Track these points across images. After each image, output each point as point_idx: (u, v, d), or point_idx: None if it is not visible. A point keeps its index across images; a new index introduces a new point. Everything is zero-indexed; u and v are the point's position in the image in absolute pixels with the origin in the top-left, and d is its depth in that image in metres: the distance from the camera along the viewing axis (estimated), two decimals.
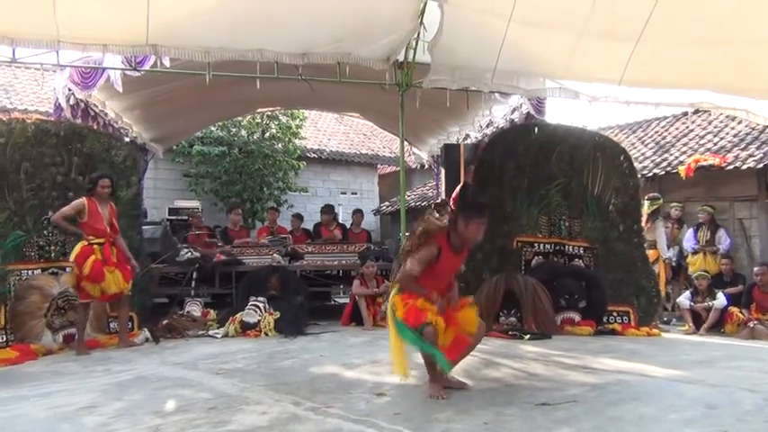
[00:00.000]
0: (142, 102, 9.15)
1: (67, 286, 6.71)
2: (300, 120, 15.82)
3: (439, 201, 10.29)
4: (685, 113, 13.70)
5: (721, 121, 12.83)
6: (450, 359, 4.22)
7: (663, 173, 11.67)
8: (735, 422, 3.59)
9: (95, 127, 8.36)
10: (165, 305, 8.41)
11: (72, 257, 6.40)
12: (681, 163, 11.51)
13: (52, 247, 7.00)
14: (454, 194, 10.22)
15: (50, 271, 6.92)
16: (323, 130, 19.00)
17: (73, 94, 7.84)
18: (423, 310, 4.13)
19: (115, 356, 6.17)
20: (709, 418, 3.71)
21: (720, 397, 4.20)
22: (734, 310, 8.27)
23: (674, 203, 10.30)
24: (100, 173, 6.74)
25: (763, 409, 3.90)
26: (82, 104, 8.24)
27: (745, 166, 10.59)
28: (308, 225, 11.62)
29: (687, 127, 13.44)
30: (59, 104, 7.98)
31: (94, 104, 8.52)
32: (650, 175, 11.63)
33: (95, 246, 6.38)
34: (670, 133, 13.68)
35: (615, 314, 7.86)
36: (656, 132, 14.09)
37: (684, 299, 8.72)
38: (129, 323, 7.17)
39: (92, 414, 3.96)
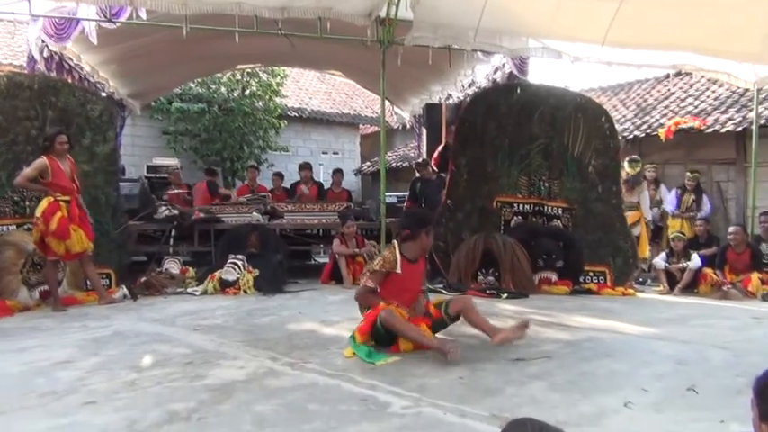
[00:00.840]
0: (119, 56, 8.95)
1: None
2: (281, 78, 15.61)
3: (420, 160, 10.26)
4: (667, 76, 13.73)
5: (703, 84, 12.86)
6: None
7: (643, 135, 11.71)
8: (704, 377, 3.67)
9: (70, 81, 8.17)
10: (144, 263, 8.35)
11: (38, 213, 6.24)
12: (661, 125, 11.55)
13: (27, 203, 6.89)
14: (435, 155, 10.22)
15: (25, 227, 6.82)
16: (304, 88, 18.78)
17: (47, 46, 7.65)
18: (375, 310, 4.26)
19: (92, 313, 6.13)
20: (679, 373, 3.79)
21: (691, 353, 4.29)
22: (708, 271, 8.38)
23: (649, 165, 10.35)
24: (56, 129, 6.55)
25: (732, 364, 3.99)
26: (56, 57, 8.04)
27: (724, 130, 10.65)
28: (289, 185, 11.55)
29: (668, 90, 13.47)
30: (33, 57, 7.78)
31: (69, 58, 8.32)
32: (631, 137, 11.67)
33: (62, 203, 6.27)
34: (651, 96, 13.70)
35: (592, 274, 7.96)
36: (638, 95, 14.11)
37: (660, 260, 8.82)
38: (107, 280, 7.13)
39: (67, 369, 3.95)
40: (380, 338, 4.28)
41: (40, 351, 4.45)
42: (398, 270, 4.41)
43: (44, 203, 6.24)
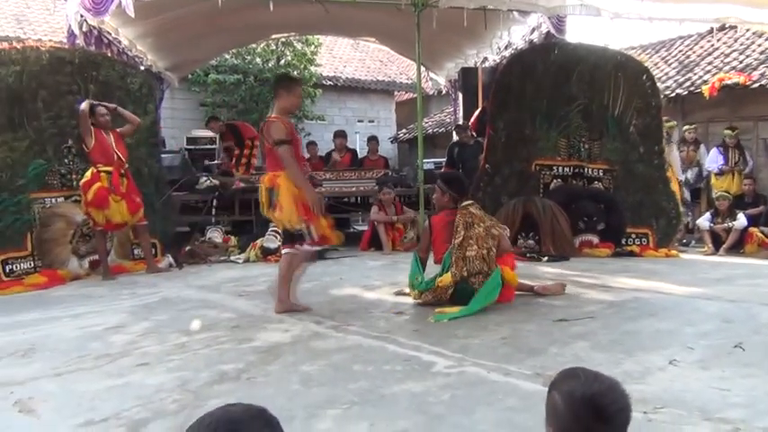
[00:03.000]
0: (155, 29, 9.01)
1: None
2: (315, 46, 15.54)
3: (461, 123, 10.18)
4: (710, 31, 13.22)
5: (748, 39, 12.39)
6: None
7: (686, 93, 11.39)
8: (751, 334, 3.63)
9: (110, 54, 8.27)
10: (187, 233, 8.51)
11: (81, 183, 6.46)
12: (705, 82, 11.20)
13: (73, 176, 7.03)
14: (473, 119, 10.12)
15: (73, 199, 6.98)
16: (338, 56, 18.67)
17: (85, 20, 7.73)
18: None
19: (140, 281, 6.31)
20: (725, 331, 3.75)
21: (737, 311, 4.23)
22: (754, 230, 8.20)
23: (687, 126, 10.08)
24: (95, 102, 6.66)
25: None
26: (95, 32, 8.12)
27: None
28: (324, 153, 11.57)
29: (712, 45, 13.02)
30: (72, 31, 7.87)
31: (107, 32, 8.41)
32: (673, 95, 11.35)
33: (103, 173, 6.43)
34: (694, 52, 13.27)
35: (634, 236, 7.84)
36: (680, 51, 13.68)
37: (704, 220, 8.66)
38: (153, 250, 7.29)
39: (120, 333, 4.09)
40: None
41: (94, 317, 4.61)
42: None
43: (87, 174, 6.43)
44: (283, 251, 4.65)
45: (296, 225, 4.43)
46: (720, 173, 9.48)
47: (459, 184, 4.90)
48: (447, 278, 4.51)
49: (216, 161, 10.49)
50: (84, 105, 6.43)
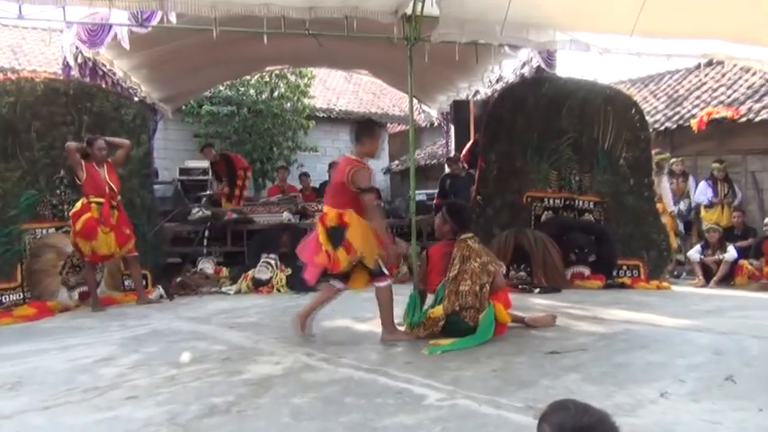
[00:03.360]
0: (150, 61, 9.09)
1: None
2: (309, 78, 15.67)
3: (452, 155, 10.25)
4: (698, 66, 13.46)
5: (735, 74, 12.60)
6: None
7: (675, 126, 11.54)
8: (742, 367, 3.63)
9: (104, 86, 8.33)
10: (179, 264, 8.49)
11: (71, 213, 6.47)
12: (693, 116, 11.35)
13: (65, 206, 7.03)
14: (464, 151, 10.20)
15: (64, 229, 6.98)
16: (332, 88, 18.84)
17: (81, 52, 7.80)
18: None
19: (130, 312, 6.27)
20: (716, 363, 3.75)
21: (729, 344, 4.24)
22: (744, 263, 8.25)
23: (674, 159, 10.18)
24: (94, 135, 6.71)
25: None
26: (90, 63, 8.19)
27: (758, 119, 10.43)
28: (318, 184, 11.61)
29: (700, 80, 13.22)
30: (67, 63, 7.94)
31: (102, 63, 8.47)
32: (662, 128, 11.49)
33: (94, 204, 6.44)
34: (683, 86, 13.47)
35: (625, 268, 7.89)
36: (669, 86, 13.89)
37: (695, 252, 8.71)
38: (144, 281, 7.26)
39: (109, 365, 4.05)
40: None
41: (83, 349, 4.57)
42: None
43: (77, 205, 6.45)
44: (376, 285, 4.59)
45: (375, 258, 4.46)
46: (710, 205, 9.57)
47: (460, 217, 4.90)
48: (438, 310, 4.51)
49: (208, 192, 10.53)
50: (69, 143, 6.46)
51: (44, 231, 6.90)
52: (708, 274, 8.42)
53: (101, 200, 6.48)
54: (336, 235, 4.40)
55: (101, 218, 6.42)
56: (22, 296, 6.52)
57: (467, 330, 4.42)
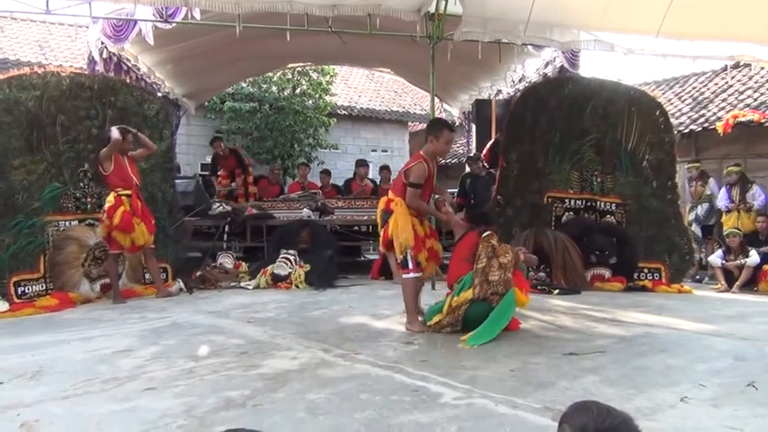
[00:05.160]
0: (174, 56, 9.19)
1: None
2: (331, 76, 15.72)
3: (472, 155, 10.22)
4: (725, 68, 13.28)
5: (762, 76, 12.43)
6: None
7: (700, 129, 11.41)
8: (763, 373, 3.57)
9: (128, 81, 8.41)
10: (199, 258, 8.56)
11: (105, 208, 6.53)
12: (719, 119, 11.22)
13: (88, 199, 7.13)
14: (485, 150, 10.15)
15: (87, 222, 7.07)
16: (353, 86, 18.87)
17: (106, 47, 7.90)
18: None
19: (150, 305, 6.32)
20: (737, 369, 3.69)
21: (750, 350, 4.17)
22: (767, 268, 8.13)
23: (691, 165, 10.04)
24: (125, 127, 6.76)
25: None
26: (115, 58, 8.30)
27: None
28: (339, 182, 11.64)
29: (726, 82, 13.05)
30: (93, 58, 8.04)
31: (127, 59, 8.58)
32: (687, 131, 11.37)
33: (124, 197, 6.51)
34: (708, 89, 13.31)
35: (646, 271, 7.81)
36: (694, 88, 13.73)
37: (716, 257, 8.59)
38: (164, 274, 7.33)
39: (128, 357, 4.09)
40: None
41: (103, 340, 4.62)
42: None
43: (111, 198, 6.51)
44: (401, 274, 4.94)
45: (404, 248, 4.74)
46: (728, 210, 9.43)
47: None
48: (468, 294, 4.54)
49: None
50: (116, 134, 6.49)
51: (67, 224, 6.97)
52: (730, 278, 8.31)
53: (129, 192, 6.57)
54: (384, 218, 4.94)
55: (131, 210, 6.52)
56: (44, 287, 6.59)
57: (488, 311, 4.49)
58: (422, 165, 4.75)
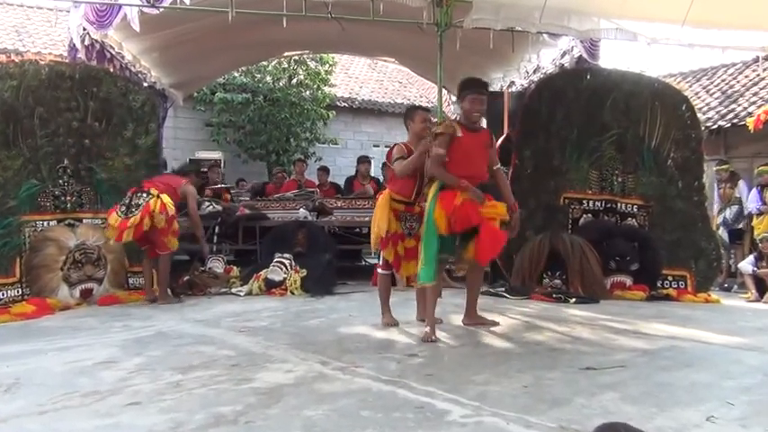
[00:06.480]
0: (161, 43, 9.19)
1: (85, 238, 6.92)
2: (330, 65, 15.73)
3: None
4: (756, 59, 13.27)
5: None
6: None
7: (729, 125, 11.42)
8: None
9: (112, 70, 8.42)
10: (186, 263, 8.56)
11: (170, 211, 6.85)
12: (749, 114, 11.22)
13: (68, 198, 7.15)
14: (496, 147, 10.14)
15: (66, 222, 7.09)
16: (354, 77, 18.89)
17: (88, 33, 7.91)
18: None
19: (134, 313, 6.34)
20: None
21: None
22: None
23: (720, 167, 10.03)
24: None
25: None
26: (97, 45, 8.30)
27: None
28: (339, 180, 11.65)
29: (758, 75, 13.05)
30: (74, 45, 8.05)
31: (111, 46, 8.58)
32: (715, 127, 11.38)
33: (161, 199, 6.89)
34: (738, 81, 13.32)
35: (671, 278, 7.82)
36: (723, 81, 13.73)
37: (747, 263, 8.60)
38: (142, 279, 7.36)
39: (110, 369, 4.09)
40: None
41: (83, 350, 4.62)
42: (459, 134, 4.97)
43: (167, 200, 6.84)
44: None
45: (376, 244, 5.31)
46: (760, 213, 9.42)
47: None
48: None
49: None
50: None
51: (45, 224, 6.99)
52: (761, 287, 8.31)
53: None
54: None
55: None
56: (20, 292, 6.60)
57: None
58: (398, 146, 5.31)
